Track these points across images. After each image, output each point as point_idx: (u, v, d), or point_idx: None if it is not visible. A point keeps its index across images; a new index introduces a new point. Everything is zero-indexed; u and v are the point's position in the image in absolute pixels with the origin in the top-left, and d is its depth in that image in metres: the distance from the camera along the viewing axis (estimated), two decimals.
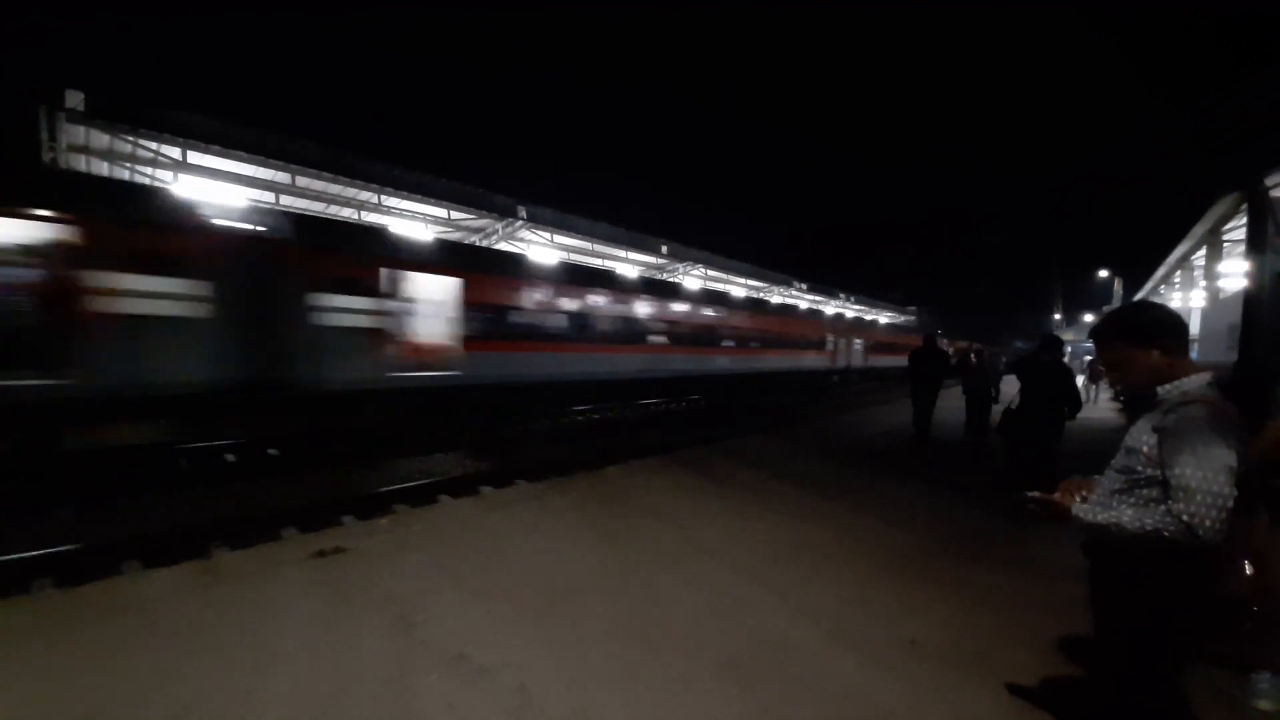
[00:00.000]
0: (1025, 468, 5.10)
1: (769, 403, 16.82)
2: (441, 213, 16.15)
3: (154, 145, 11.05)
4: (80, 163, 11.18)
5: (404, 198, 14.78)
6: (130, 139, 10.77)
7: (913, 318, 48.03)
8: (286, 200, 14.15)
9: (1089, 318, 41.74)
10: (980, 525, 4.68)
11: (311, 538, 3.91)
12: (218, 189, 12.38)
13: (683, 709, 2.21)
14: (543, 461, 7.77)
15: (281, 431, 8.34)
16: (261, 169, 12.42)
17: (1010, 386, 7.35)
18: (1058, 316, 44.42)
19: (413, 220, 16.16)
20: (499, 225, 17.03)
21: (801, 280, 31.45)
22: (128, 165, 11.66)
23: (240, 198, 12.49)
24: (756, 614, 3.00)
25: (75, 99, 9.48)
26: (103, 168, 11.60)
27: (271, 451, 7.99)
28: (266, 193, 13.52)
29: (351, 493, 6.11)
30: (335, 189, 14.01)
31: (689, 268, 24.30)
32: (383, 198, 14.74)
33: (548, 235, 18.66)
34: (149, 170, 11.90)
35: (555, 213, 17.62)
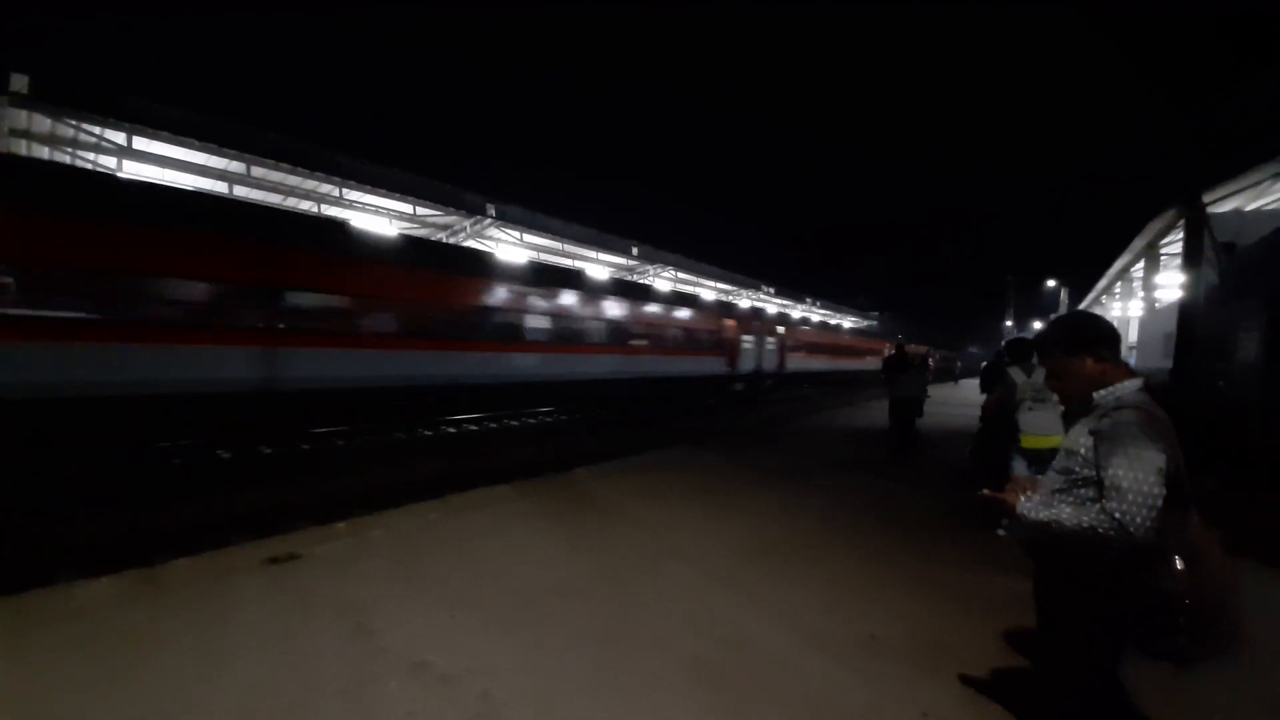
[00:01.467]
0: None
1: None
2: (407, 208, 15.78)
3: (97, 130, 10.46)
4: (21, 148, 10.51)
5: (367, 191, 14.39)
6: (72, 123, 10.17)
7: (874, 323, 49.38)
8: (241, 191, 13.59)
9: (1037, 324, 43.72)
10: (940, 522, 4.83)
11: (264, 544, 3.76)
12: (166, 177, 11.80)
13: (650, 713, 2.21)
14: (509, 463, 7.67)
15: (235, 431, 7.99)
16: (214, 157, 11.90)
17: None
18: (1009, 323, 46.38)
19: (376, 215, 15.74)
20: (466, 223, 16.75)
21: (770, 284, 31.94)
22: (69, 150, 11.01)
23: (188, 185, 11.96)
24: (724, 615, 3.02)
25: (20, 82, 8.98)
26: (43, 152, 10.93)
27: (222, 454, 7.65)
28: (219, 182, 12.95)
29: (307, 497, 5.90)
30: (293, 180, 13.53)
31: (658, 270, 24.39)
32: (345, 191, 14.32)
33: (517, 234, 18.45)
34: (91, 156, 11.26)
35: (525, 211, 17.44)
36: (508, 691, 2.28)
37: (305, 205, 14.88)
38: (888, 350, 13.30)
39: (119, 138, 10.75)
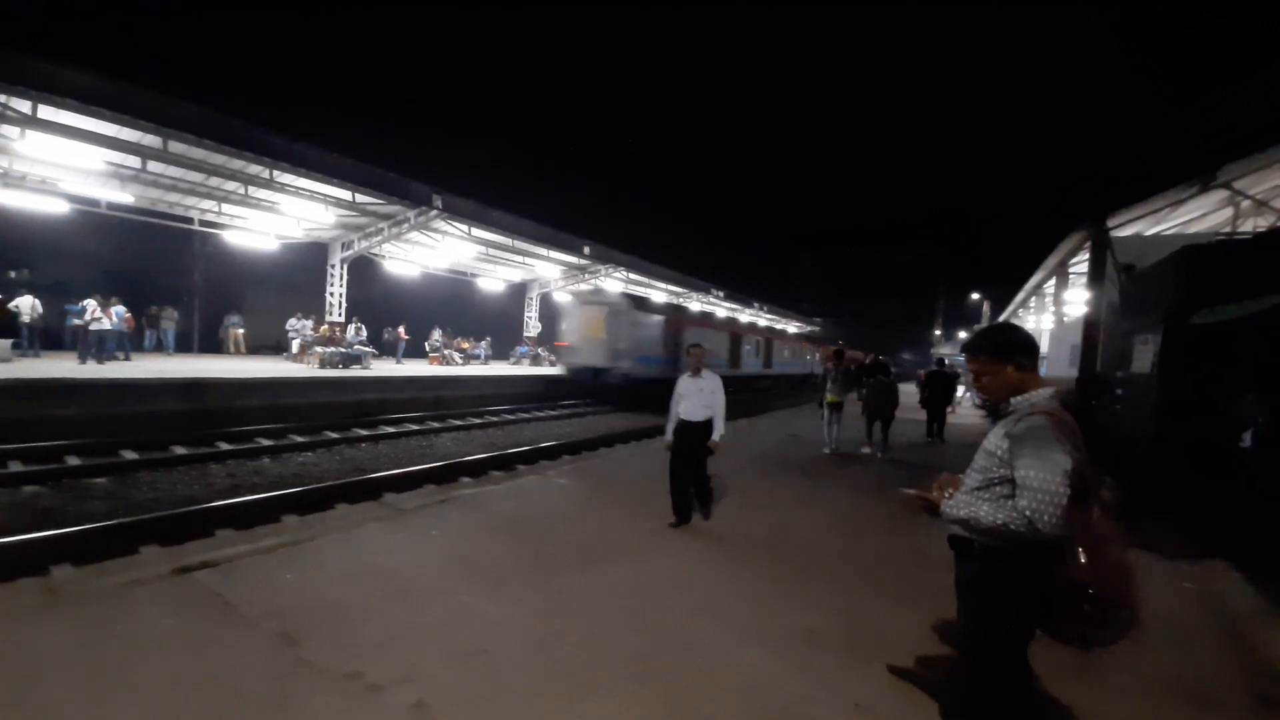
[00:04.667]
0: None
1: None
2: (345, 195, 14.99)
3: (2, 98, 9.37)
4: None
5: (300, 174, 13.53)
6: None
7: (818, 328, 51.29)
8: (156, 168, 12.53)
9: (963, 333, 46.67)
10: (871, 519, 5.05)
11: (175, 551, 3.49)
12: (72, 149, 10.77)
13: (591, 713, 2.19)
14: (451, 464, 7.44)
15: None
16: (126, 129, 10.88)
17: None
18: (938, 332, 49.35)
19: (310, 200, 14.87)
20: (411, 214, 16.10)
21: (719, 287, 32.49)
22: None
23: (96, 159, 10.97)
24: (664, 612, 3.04)
25: None
26: None
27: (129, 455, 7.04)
28: (131, 157, 11.87)
29: (227, 499, 5.51)
30: (218, 159, 12.54)
31: (611, 270, 24.33)
32: (275, 173, 13.41)
33: (465, 228, 17.92)
34: None
35: (475, 205, 16.93)
36: (443, 700, 2.20)
37: (230, 186, 13.89)
38: (868, 359, 16.54)
39: (24, 106, 9.67)
